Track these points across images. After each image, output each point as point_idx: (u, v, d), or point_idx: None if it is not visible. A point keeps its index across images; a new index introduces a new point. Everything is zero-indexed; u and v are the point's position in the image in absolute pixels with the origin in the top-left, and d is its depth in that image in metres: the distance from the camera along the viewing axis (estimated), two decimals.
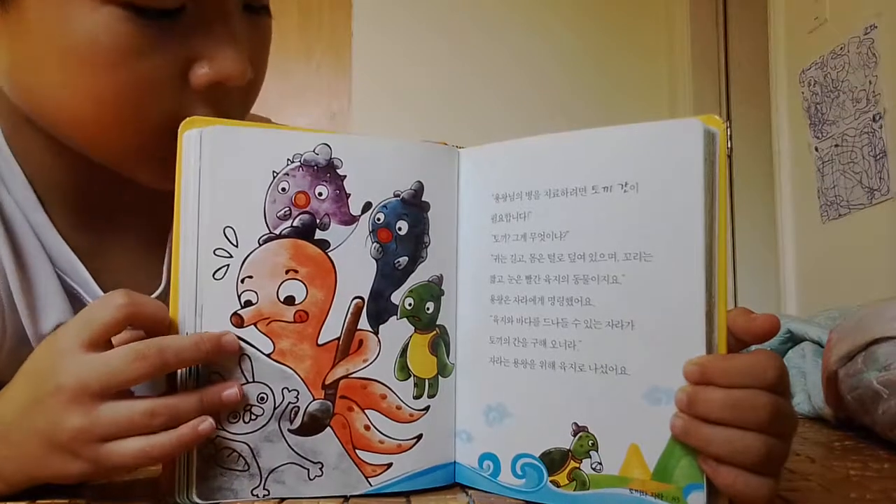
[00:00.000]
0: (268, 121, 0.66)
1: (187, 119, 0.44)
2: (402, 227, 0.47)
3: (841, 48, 1.46)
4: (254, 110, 0.60)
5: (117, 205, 0.57)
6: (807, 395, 0.81)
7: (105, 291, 0.54)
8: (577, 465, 0.43)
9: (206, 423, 0.41)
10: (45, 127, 0.50)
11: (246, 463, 0.44)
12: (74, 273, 0.53)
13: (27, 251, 0.52)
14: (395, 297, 0.46)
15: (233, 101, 0.50)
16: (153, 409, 0.40)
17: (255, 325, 0.44)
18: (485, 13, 2.42)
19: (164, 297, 0.54)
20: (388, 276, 0.46)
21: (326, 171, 0.45)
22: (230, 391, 0.43)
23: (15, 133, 0.52)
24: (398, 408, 0.46)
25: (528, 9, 2.44)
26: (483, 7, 2.43)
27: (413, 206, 0.47)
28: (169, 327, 0.43)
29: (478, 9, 2.42)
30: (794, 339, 0.90)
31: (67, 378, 0.39)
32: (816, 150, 1.55)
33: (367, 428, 0.46)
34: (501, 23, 2.42)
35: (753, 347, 0.44)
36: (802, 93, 1.61)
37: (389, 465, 0.46)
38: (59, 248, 0.53)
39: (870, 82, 1.37)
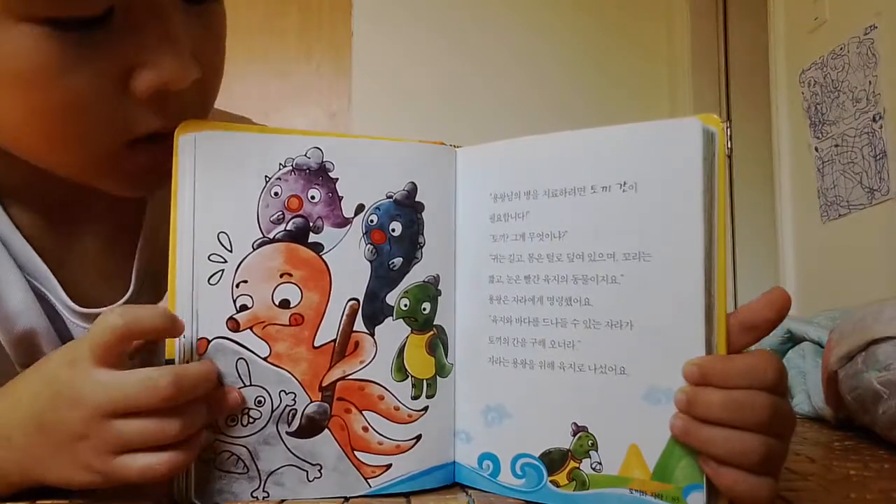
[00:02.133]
0: (249, 121, 0.66)
1: (183, 123, 0.44)
2: (396, 228, 0.46)
3: (841, 48, 1.46)
4: (254, 109, 0.59)
5: (81, 209, 0.55)
6: (807, 395, 0.81)
7: (70, 294, 0.53)
8: (577, 465, 0.43)
9: (204, 435, 0.43)
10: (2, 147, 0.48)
11: (245, 466, 0.44)
12: (38, 274, 0.52)
13: None
14: (391, 298, 0.46)
15: (186, 103, 0.47)
16: (163, 426, 0.40)
17: (250, 328, 0.44)
18: (485, 13, 2.43)
19: (133, 301, 0.54)
20: (383, 278, 0.46)
21: (318, 174, 0.45)
22: (233, 395, 0.43)
23: None
24: (396, 408, 0.46)
25: (528, 9, 2.44)
26: (483, 7, 2.43)
27: (406, 207, 0.47)
28: (173, 329, 0.42)
29: (478, 9, 2.43)
30: (794, 339, 0.90)
31: (84, 394, 0.40)
32: (816, 150, 1.55)
33: (365, 429, 0.46)
34: (501, 23, 2.43)
35: (753, 347, 0.44)
36: (802, 93, 1.61)
37: (389, 466, 0.46)
38: (22, 248, 0.52)
39: (870, 82, 1.37)
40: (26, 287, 0.51)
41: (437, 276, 0.47)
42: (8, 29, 0.39)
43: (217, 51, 0.49)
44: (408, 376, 0.46)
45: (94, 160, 0.47)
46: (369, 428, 0.46)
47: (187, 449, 0.41)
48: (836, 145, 1.48)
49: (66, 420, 0.40)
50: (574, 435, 0.43)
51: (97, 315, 0.53)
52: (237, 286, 0.44)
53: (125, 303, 0.54)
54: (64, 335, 0.53)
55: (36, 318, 0.52)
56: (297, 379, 0.45)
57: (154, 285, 0.55)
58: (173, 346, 0.43)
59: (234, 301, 0.44)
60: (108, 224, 0.57)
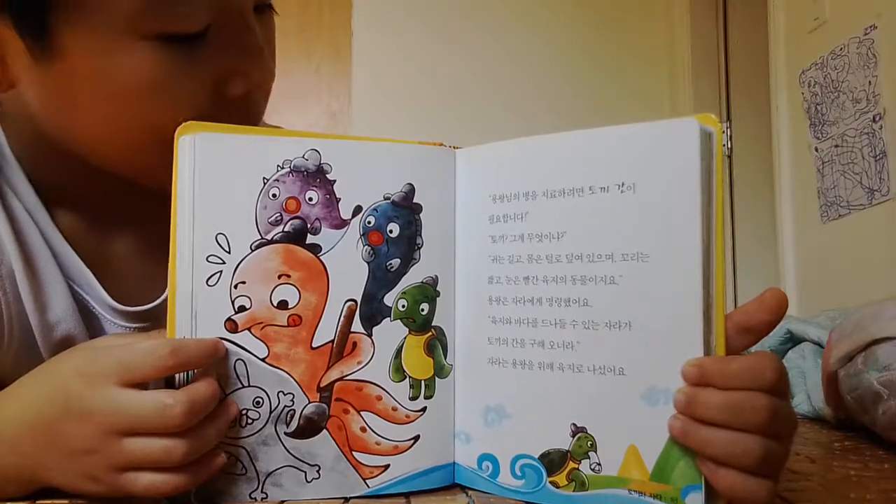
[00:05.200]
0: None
1: (183, 125, 0.44)
2: (394, 229, 0.46)
3: (841, 48, 1.46)
4: None
5: (121, 212, 0.57)
6: (807, 395, 0.81)
7: (111, 296, 0.54)
8: (576, 465, 0.43)
9: (219, 458, 0.43)
10: (81, 154, 0.51)
11: (243, 467, 0.44)
12: (81, 278, 0.54)
13: (36, 255, 0.52)
14: (388, 299, 0.46)
15: (259, 99, 0.52)
16: (171, 447, 0.40)
17: (249, 329, 0.44)
18: (485, 13, 2.42)
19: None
20: (381, 279, 0.46)
21: (316, 176, 0.45)
22: (233, 408, 0.43)
23: (24, 147, 0.53)
24: (394, 409, 0.46)
25: (528, 9, 2.43)
26: (483, 7, 2.43)
27: (404, 209, 0.47)
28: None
29: (478, 9, 2.42)
30: (793, 340, 0.90)
31: (96, 410, 0.40)
32: (816, 150, 1.55)
33: (363, 430, 0.46)
34: (501, 23, 2.42)
35: (753, 348, 0.44)
36: (802, 93, 1.61)
37: (387, 466, 0.46)
38: (66, 253, 0.53)
39: (870, 83, 1.37)
40: (68, 294, 0.53)
41: (436, 277, 0.47)
42: (132, 46, 0.44)
43: (273, 53, 0.54)
44: (406, 377, 0.46)
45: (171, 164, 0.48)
46: (367, 428, 0.46)
47: (195, 470, 0.42)
48: (836, 145, 1.48)
49: (76, 433, 0.41)
50: (573, 436, 0.43)
51: (135, 313, 0.54)
52: (235, 287, 0.44)
53: (162, 301, 0.56)
54: (98, 336, 0.54)
55: (74, 324, 0.53)
56: (295, 380, 0.45)
57: None
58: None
59: (233, 302, 0.44)
60: (145, 226, 0.58)
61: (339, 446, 0.45)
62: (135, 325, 0.55)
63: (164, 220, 0.58)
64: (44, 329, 0.52)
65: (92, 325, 0.54)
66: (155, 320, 0.56)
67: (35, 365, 0.47)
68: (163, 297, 0.56)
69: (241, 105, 0.49)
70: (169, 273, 0.44)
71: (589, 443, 0.42)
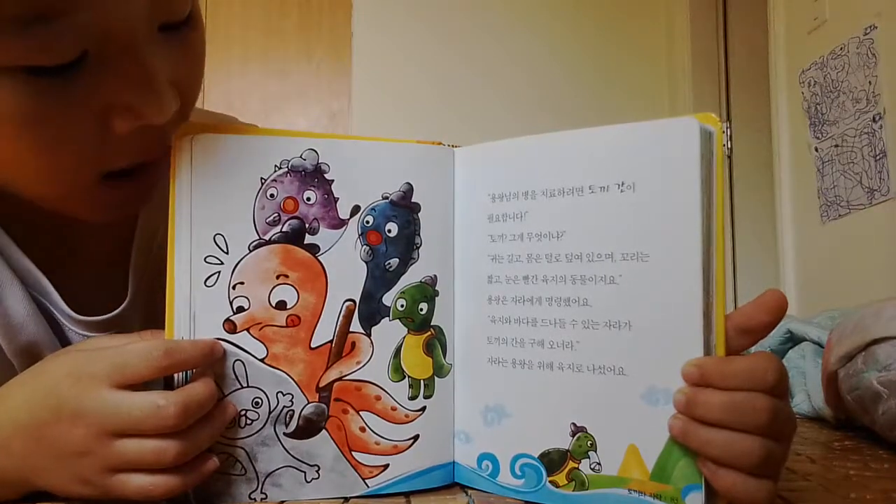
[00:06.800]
0: (234, 120, 0.66)
1: (183, 125, 0.44)
2: (392, 228, 0.46)
3: (841, 48, 1.46)
4: (254, 109, 0.59)
5: (76, 223, 0.55)
6: (807, 395, 0.81)
7: (69, 303, 0.53)
8: (576, 465, 0.43)
9: (211, 462, 0.43)
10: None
11: (243, 467, 0.44)
12: (38, 285, 0.53)
13: None
14: (387, 299, 0.46)
15: (166, 131, 0.46)
16: (164, 448, 0.40)
17: (247, 330, 0.44)
18: (485, 13, 2.43)
19: (130, 310, 0.54)
20: (379, 278, 0.46)
21: (314, 175, 0.45)
22: (230, 409, 0.43)
23: None
24: (393, 409, 0.46)
25: (528, 9, 2.44)
26: (483, 7, 2.43)
27: (402, 208, 0.47)
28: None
29: (478, 9, 2.43)
30: (794, 340, 0.90)
31: (89, 411, 0.40)
32: (816, 150, 1.55)
33: (362, 430, 0.46)
34: (501, 23, 2.42)
35: (753, 348, 0.44)
36: (802, 93, 1.61)
37: (386, 466, 0.46)
38: (21, 262, 0.52)
39: (870, 83, 1.37)
40: (28, 299, 0.52)
41: (435, 276, 0.47)
42: None
43: (195, 74, 0.48)
44: (405, 376, 0.46)
45: (72, 194, 0.46)
46: (366, 428, 0.46)
47: (187, 473, 0.42)
48: (836, 145, 1.48)
49: (68, 435, 0.40)
50: (573, 435, 0.43)
51: (96, 322, 0.53)
52: (234, 288, 0.44)
53: (123, 310, 0.55)
54: (66, 345, 0.53)
55: (39, 329, 0.52)
56: (294, 380, 0.44)
57: (150, 291, 0.55)
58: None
59: (231, 303, 0.44)
60: (103, 234, 0.57)
61: (338, 446, 0.45)
62: (94, 335, 0.53)
63: (118, 229, 0.57)
64: (7, 333, 0.51)
65: (58, 334, 0.53)
66: (115, 330, 0.54)
67: (2, 370, 0.47)
68: (122, 308, 0.55)
69: (134, 139, 0.43)
70: (167, 274, 0.44)
71: (589, 442, 0.42)
